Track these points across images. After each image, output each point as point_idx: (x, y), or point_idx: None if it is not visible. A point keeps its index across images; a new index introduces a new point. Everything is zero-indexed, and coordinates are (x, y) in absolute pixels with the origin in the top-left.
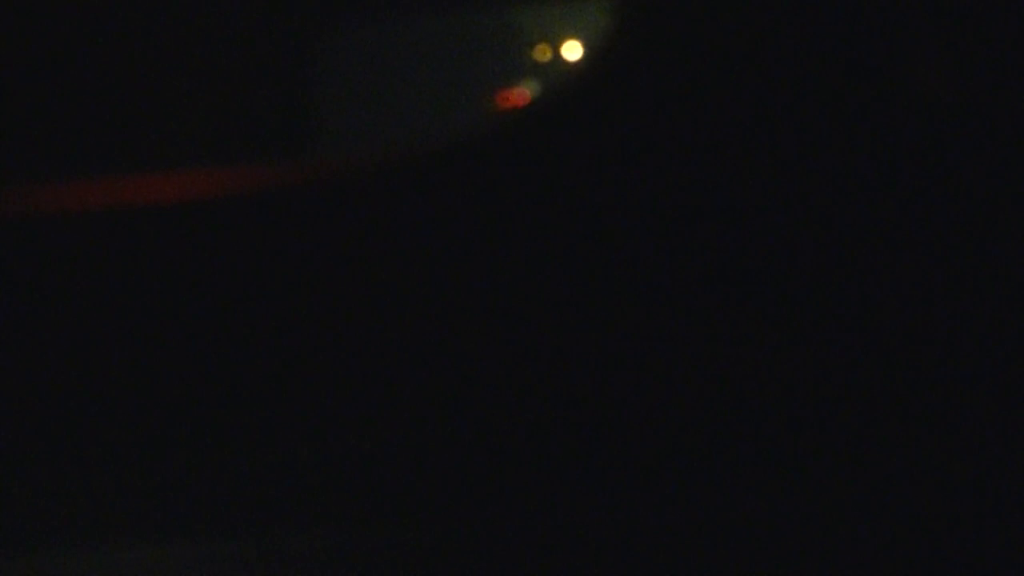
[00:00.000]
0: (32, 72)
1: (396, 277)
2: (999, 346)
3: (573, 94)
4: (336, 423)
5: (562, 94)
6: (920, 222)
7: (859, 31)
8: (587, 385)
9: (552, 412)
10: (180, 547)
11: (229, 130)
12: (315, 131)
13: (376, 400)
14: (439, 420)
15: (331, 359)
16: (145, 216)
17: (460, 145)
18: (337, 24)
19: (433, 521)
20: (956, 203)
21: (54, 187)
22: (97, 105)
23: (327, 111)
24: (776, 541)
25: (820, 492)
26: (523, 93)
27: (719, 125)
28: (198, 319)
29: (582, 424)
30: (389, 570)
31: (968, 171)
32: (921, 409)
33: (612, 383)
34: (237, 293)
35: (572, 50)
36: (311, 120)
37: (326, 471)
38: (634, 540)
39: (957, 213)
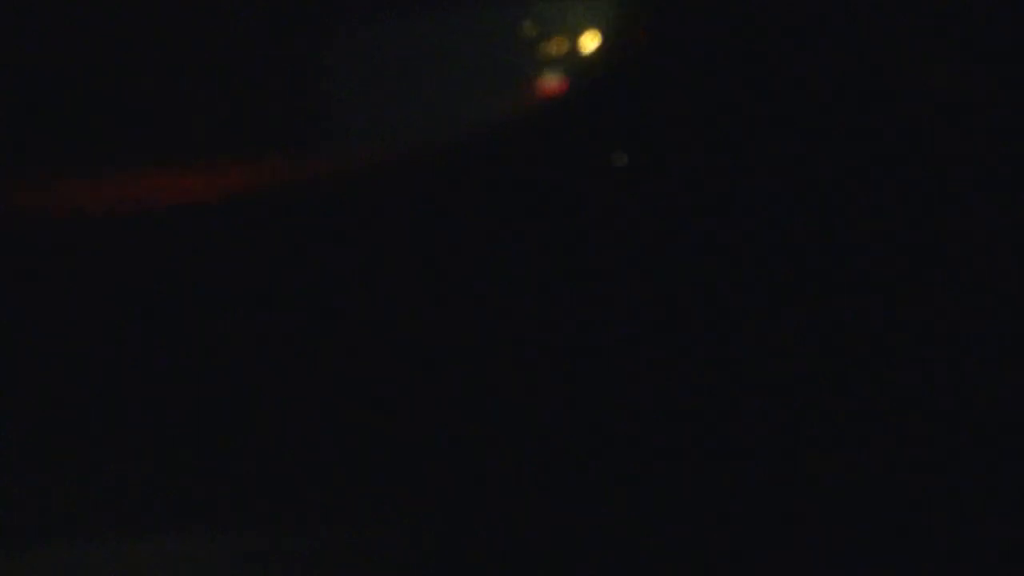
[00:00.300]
0: (33, 70)
1: (405, 273)
2: (999, 347)
3: (594, 85)
4: (337, 422)
5: (583, 86)
6: (922, 222)
7: (863, 30)
8: (597, 384)
9: (554, 412)
10: (180, 544)
11: (247, 127)
12: (329, 128)
13: (377, 400)
14: (440, 420)
15: (332, 358)
16: (151, 213)
17: (479, 138)
18: (351, 20)
19: (433, 521)
20: (958, 203)
21: (54, 185)
22: (96, 104)
23: (340, 109)
24: (775, 542)
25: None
26: (549, 84)
27: (726, 123)
28: (200, 316)
29: (584, 425)
30: (389, 570)
31: (970, 171)
32: (921, 410)
33: (627, 380)
34: (240, 290)
35: (590, 42)
36: (325, 118)
37: (326, 471)
38: (633, 541)
39: (959, 213)
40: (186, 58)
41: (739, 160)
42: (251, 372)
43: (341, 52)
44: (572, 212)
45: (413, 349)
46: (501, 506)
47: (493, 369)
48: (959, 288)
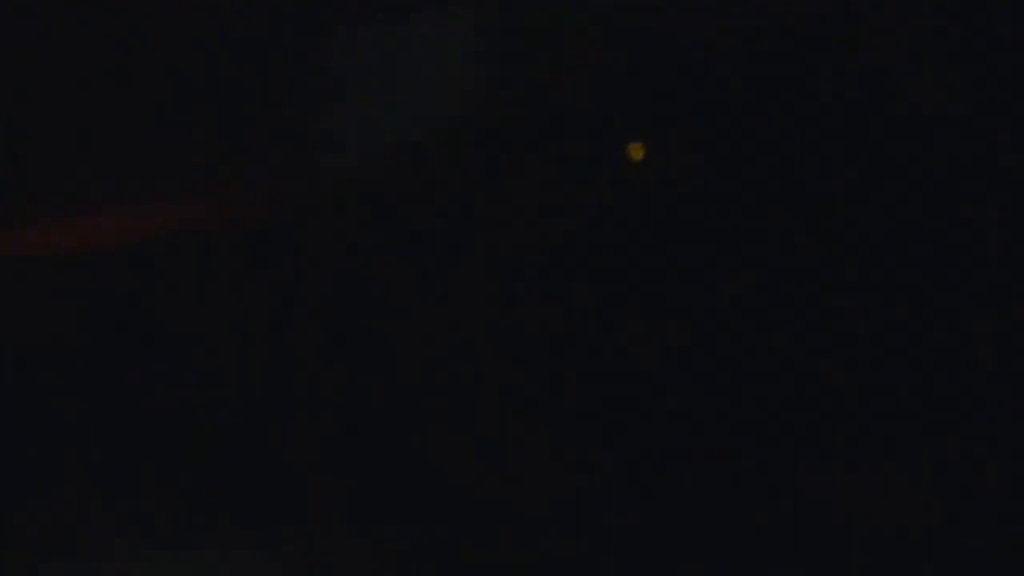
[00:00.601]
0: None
1: (399, 278)
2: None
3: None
4: (336, 425)
5: (557, 95)
6: (923, 226)
7: (864, 37)
8: (596, 387)
9: (552, 414)
10: (179, 545)
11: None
12: (318, 143)
13: (377, 403)
14: (439, 423)
15: (332, 362)
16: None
17: (456, 146)
18: (327, 30)
19: (432, 522)
20: (960, 207)
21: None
22: (87, 131)
23: (327, 120)
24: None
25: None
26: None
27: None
28: (202, 325)
29: (587, 427)
30: (389, 570)
31: (971, 176)
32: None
33: (628, 380)
34: (239, 301)
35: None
36: (324, 123)
37: (326, 472)
38: (633, 543)
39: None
40: (181, 69)
41: (739, 160)
42: (254, 375)
43: (341, 56)
44: (572, 213)
45: (414, 351)
46: (498, 507)
47: (493, 370)
48: (958, 288)
